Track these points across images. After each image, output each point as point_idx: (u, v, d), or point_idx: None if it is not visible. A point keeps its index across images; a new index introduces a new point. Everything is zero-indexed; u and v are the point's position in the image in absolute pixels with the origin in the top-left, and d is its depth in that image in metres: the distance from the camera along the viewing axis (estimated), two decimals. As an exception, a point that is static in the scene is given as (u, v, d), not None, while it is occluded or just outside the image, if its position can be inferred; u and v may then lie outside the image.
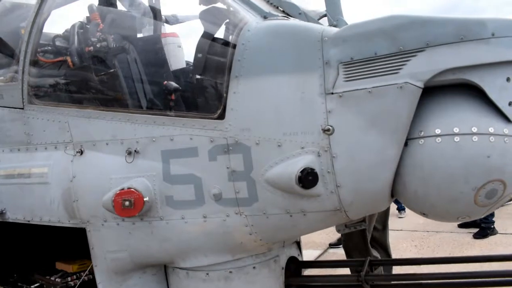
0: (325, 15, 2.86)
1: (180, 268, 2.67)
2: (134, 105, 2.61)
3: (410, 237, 5.87)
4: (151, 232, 2.55)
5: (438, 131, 1.99)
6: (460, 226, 6.05)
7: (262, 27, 2.24)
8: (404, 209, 7.04)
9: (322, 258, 5.26)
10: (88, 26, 2.93)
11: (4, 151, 3.06)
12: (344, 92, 2.08)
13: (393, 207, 7.07)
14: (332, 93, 2.10)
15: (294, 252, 2.88)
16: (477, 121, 1.95)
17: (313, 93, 2.13)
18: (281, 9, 2.77)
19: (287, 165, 2.19)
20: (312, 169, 2.14)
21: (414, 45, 1.93)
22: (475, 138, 1.94)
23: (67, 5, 3.24)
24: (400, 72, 1.96)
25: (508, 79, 1.94)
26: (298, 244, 2.95)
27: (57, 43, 3.05)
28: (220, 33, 2.48)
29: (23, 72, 2.88)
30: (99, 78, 2.71)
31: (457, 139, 1.95)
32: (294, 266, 2.82)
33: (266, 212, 2.33)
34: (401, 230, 6.25)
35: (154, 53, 2.63)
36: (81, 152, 2.71)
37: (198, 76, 2.51)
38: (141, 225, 2.56)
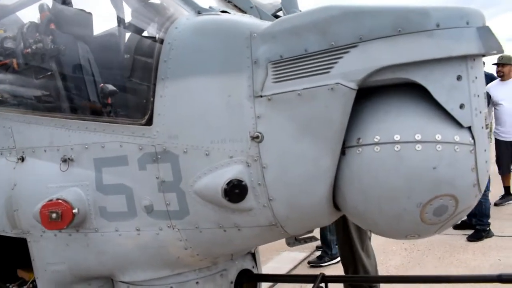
0: (280, 9, 2.56)
1: (122, 282, 2.40)
2: (68, 110, 2.34)
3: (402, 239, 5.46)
4: (87, 244, 2.30)
5: (377, 139, 1.65)
6: (455, 227, 5.61)
7: (191, 24, 1.94)
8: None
9: (310, 259, 4.92)
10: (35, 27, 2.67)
11: None
12: (273, 94, 1.77)
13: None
14: (261, 96, 1.79)
15: (247, 265, 2.57)
16: (422, 127, 1.61)
17: (241, 96, 1.82)
18: (233, 3, 2.47)
19: (214, 176, 1.89)
20: (240, 181, 1.84)
21: (346, 40, 1.61)
22: (418, 146, 1.59)
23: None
24: (331, 72, 1.63)
25: (459, 78, 1.60)
26: (253, 255, 2.63)
27: (5, 44, 2.81)
28: (149, 32, 2.17)
29: None
30: (36, 81, 2.45)
31: (397, 148, 1.61)
32: (247, 280, 2.51)
33: (198, 226, 2.04)
34: (393, 231, 5.83)
35: (91, 55, 2.34)
36: (22, 159, 2.47)
37: (126, 79, 2.21)
38: (77, 236, 2.31)
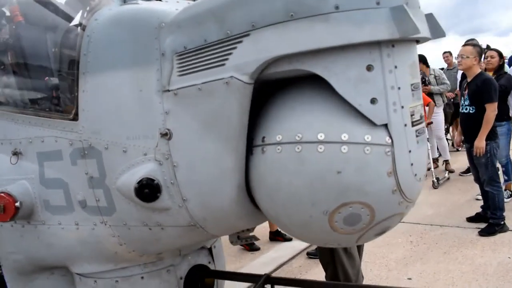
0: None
1: (76, 273, 2.32)
2: (16, 104, 2.25)
3: (410, 231, 5.05)
4: (37, 236, 2.24)
5: (279, 138, 1.40)
6: (469, 220, 5.10)
7: (109, 15, 1.78)
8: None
9: (309, 250, 4.66)
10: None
11: None
12: (178, 89, 1.57)
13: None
14: (168, 91, 1.59)
15: (202, 260, 2.40)
16: (326, 126, 1.35)
17: (151, 90, 1.65)
18: None
19: (130, 174, 1.75)
20: (152, 180, 1.67)
21: (240, 29, 1.38)
22: (321, 148, 1.33)
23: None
24: (226, 64, 1.41)
25: (369, 68, 1.29)
26: (209, 250, 2.46)
27: None
28: (75, 23, 2.01)
29: None
30: None
31: (298, 148, 1.36)
32: (200, 276, 2.34)
33: (126, 223, 1.91)
34: (403, 222, 5.38)
35: (37, 46, 2.23)
36: None
37: (57, 73, 2.08)
38: (29, 228, 2.26)
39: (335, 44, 1.24)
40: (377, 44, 1.29)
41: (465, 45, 4.88)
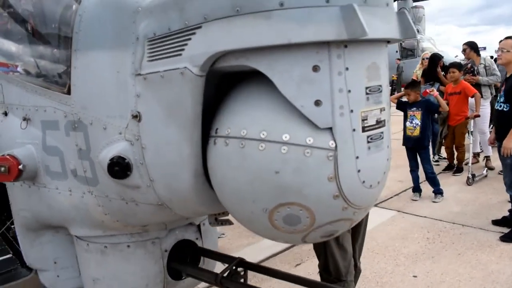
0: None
1: (73, 235, 2.51)
2: (27, 73, 2.41)
3: (429, 227, 4.86)
4: (40, 197, 2.44)
5: (228, 131, 1.40)
6: (495, 223, 4.80)
7: None
8: (441, 194, 5.84)
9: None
10: None
11: None
12: (147, 74, 1.61)
13: (430, 189, 5.94)
14: (140, 74, 1.63)
15: (190, 236, 2.50)
16: (269, 124, 1.33)
17: (126, 73, 1.70)
18: None
19: (107, 151, 1.83)
20: (123, 159, 1.74)
21: (195, 20, 1.37)
22: (262, 146, 1.32)
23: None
24: (183, 54, 1.42)
25: (315, 68, 1.24)
26: (198, 227, 2.54)
27: None
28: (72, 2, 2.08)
29: None
30: (3, 43, 2.55)
31: (242, 144, 1.36)
32: (185, 250, 2.45)
33: (108, 196, 2.02)
34: (424, 217, 5.21)
35: (44, 19, 2.35)
36: (6, 114, 2.64)
37: (56, 47, 2.18)
38: (34, 189, 2.45)
39: (275, 43, 1.20)
40: (325, 44, 1.23)
41: (507, 38, 4.46)
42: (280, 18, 1.18)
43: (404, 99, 6.04)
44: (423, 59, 8.85)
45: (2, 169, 2.29)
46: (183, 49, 1.40)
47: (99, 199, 2.08)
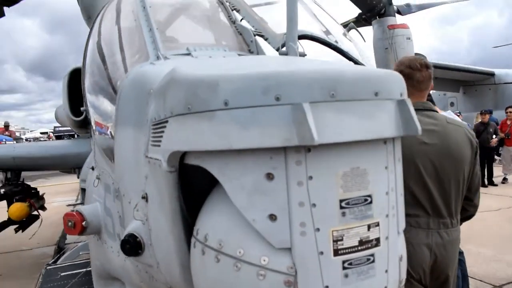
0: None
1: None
2: (98, 137, 2.71)
3: None
4: (104, 251, 2.65)
5: (196, 232, 1.31)
6: None
7: (134, 73, 1.96)
8: None
9: None
10: None
11: None
12: (150, 158, 1.62)
13: None
14: (147, 157, 1.66)
15: None
16: (228, 233, 1.18)
17: (141, 152, 1.75)
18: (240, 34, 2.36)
19: (128, 226, 1.88)
20: (135, 237, 1.77)
21: (166, 114, 1.33)
22: (218, 257, 1.18)
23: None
24: (160, 146, 1.38)
25: (269, 176, 1.07)
26: None
27: None
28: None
29: None
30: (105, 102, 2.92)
31: (204, 250, 1.24)
32: None
33: (137, 266, 2.08)
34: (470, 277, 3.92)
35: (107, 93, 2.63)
36: (93, 169, 3.01)
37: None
38: (100, 243, 2.69)
39: (217, 148, 1.07)
40: (281, 148, 1.05)
41: None
42: (222, 119, 1.06)
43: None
44: None
45: (69, 223, 2.59)
46: (160, 141, 1.38)
47: (135, 267, 2.16)
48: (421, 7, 13.93)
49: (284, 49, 2.18)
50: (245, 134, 1.03)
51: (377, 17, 10.79)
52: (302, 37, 2.36)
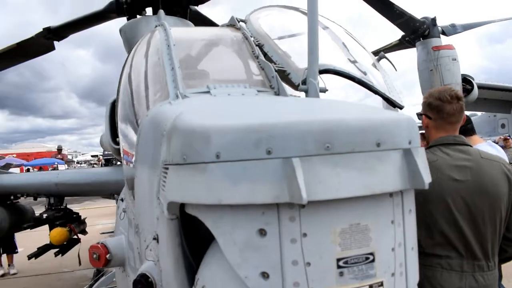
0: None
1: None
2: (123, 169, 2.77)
3: None
4: (127, 284, 2.66)
5: (199, 283, 1.28)
6: None
7: (152, 113, 2.00)
8: None
9: None
10: None
11: None
12: (159, 200, 1.62)
13: None
14: (158, 198, 1.67)
15: None
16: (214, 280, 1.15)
17: (154, 193, 1.76)
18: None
19: (143, 265, 1.89)
20: (147, 277, 1.77)
21: (168, 159, 1.32)
22: None
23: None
24: (163, 192, 1.38)
25: (262, 232, 1.04)
26: None
27: None
28: None
29: None
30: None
31: None
32: None
33: None
34: None
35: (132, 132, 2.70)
36: (122, 200, 3.09)
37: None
38: (124, 275, 2.72)
39: (207, 202, 1.04)
40: (274, 204, 1.00)
41: None
42: (214, 173, 1.04)
43: None
44: None
45: (94, 256, 2.64)
46: (164, 186, 1.38)
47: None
48: (467, 27, 13.40)
49: (304, 86, 2.15)
50: (235, 190, 1.00)
51: (421, 38, 10.53)
52: (324, 71, 2.32)
